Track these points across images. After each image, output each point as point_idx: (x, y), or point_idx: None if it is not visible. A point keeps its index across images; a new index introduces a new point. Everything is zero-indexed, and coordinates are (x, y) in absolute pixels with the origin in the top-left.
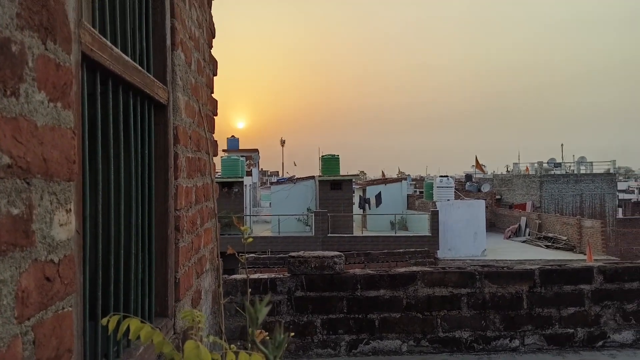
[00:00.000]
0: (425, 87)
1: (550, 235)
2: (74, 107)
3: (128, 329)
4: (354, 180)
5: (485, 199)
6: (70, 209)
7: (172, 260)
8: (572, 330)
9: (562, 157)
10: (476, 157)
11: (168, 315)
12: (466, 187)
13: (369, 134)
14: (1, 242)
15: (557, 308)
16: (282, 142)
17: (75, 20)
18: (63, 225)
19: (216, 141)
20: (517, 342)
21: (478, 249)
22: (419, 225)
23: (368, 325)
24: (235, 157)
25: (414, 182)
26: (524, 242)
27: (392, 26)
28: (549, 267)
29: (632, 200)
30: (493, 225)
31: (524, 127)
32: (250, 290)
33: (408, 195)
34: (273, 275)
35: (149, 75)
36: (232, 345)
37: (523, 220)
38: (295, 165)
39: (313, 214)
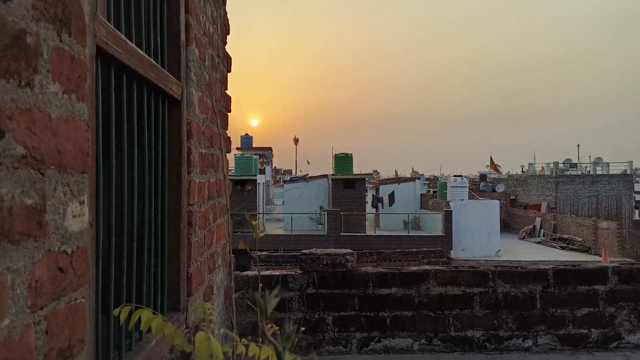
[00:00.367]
0: (440, 86)
1: (565, 236)
2: (88, 99)
3: (139, 321)
4: (367, 179)
5: (499, 199)
6: (83, 201)
7: (184, 255)
8: (586, 331)
9: (578, 158)
10: (491, 157)
11: (180, 309)
12: (480, 187)
13: (383, 133)
14: (15, 231)
15: (571, 308)
16: (296, 141)
17: (90, 13)
18: (76, 217)
19: (229, 137)
20: (529, 342)
21: (492, 249)
22: (433, 225)
23: (379, 323)
24: (249, 155)
25: (428, 182)
26: (538, 243)
27: (406, 24)
28: (563, 267)
29: None
30: (507, 226)
31: (540, 127)
32: (261, 286)
33: (421, 195)
34: (285, 272)
35: (163, 70)
36: (243, 339)
37: (538, 221)
38: (309, 163)
39: (326, 213)
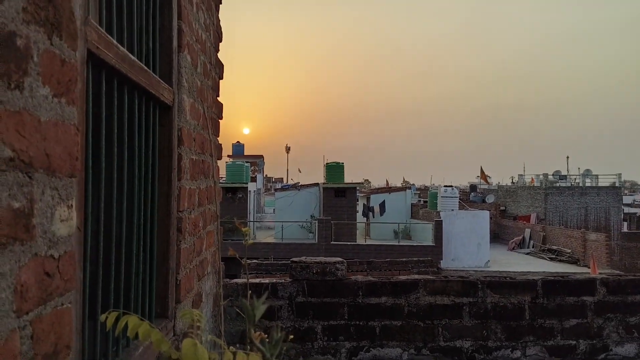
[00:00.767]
0: (431, 97)
1: (555, 247)
2: (78, 103)
3: (126, 327)
4: (358, 188)
5: (489, 210)
6: (71, 205)
7: (173, 262)
8: (574, 342)
9: (568, 170)
10: (481, 168)
11: (168, 316)
12: (470, 197)
13: (374, 142)
14: (1, 235)
15: (560, 319)
16: (287, 149)
17: (81, 17)
18: (64, 221)
19: (220, 144)
20: (518, 353)
21: (482, 259)
22: (423, 234)
23: (369, 333)
24: (240, 163)
25: (419, 192)
26: (527, 254)
27: (398, 35)
28: (552, 277)
29: (638, 214)
30: (497, 237)
31: (530, 139)
32: (250, 293)
33: (412, 205)
34: (274, 280)
35: (154, 75)
36: (231, 347)
37: (527, 232)
38: (300, 172)
39: (317, 221)
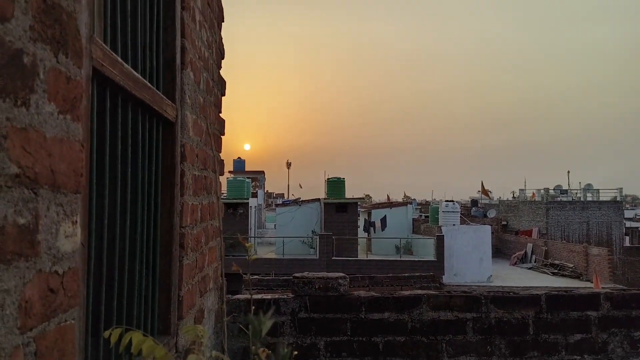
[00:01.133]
0: (431, 113)
1: (557, 262)
2: (83, 120)
3: (129, 344)
4: (359, 203)
5: (491, 225)
6: (76, 221)
7: (175, 278)
8: (579, 357)
9: (569, 184)
10: (482, 183)
11: (170, 333)
12: (472, 212)
13: (375, 157)
14: (7, 251)
15: (564, 334)
16: (288, 165)
17: (87, 35)
18: (68, 237)
19: (223, 160)
20: None
21: (484, 274)
22: (424, 249)
23: (372, 349)
24: (241, 179)
25: (420, 207)
26: (530, 268)
27: (398, 52)
28: (556, 292)
29: (639, 229)
30: (499, 252)
31: (531, 154)
32: (253, 309)
33: (413, 220)
34: (277, 296)
35: (158, 92)
36: None
37: (529, 246)
38: (301, 187)
39: (318, 237)
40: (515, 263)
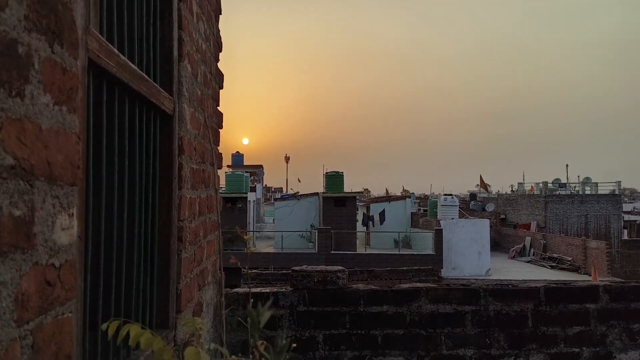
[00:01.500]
0: (430, 107)
1: (555, 255)
2: (80, 112)
3: (127, 336)
4: (357, 197)
5: (489, 218)
6: (72, 214)
7: (174, 271)
8: (578, 350)
9: (567, 178)
10: (481, 176)
11: (169, 326)
12: (470, 206)
13: (374, 151)
14: (2, 243)
15: (563, 327)
16: (287, 159)
17: (82, 26)
18: (65, 230)
19: (221, 153)
20: None
21: (482, 268)
22: (423, 243)
23: (371, 342)
24: (240, 173)
25: (418, 200)
26: (528, 262)
27: (396, 45)
28: (554, 285)
29: (638, 222)
30: (497, 245)
31: (530, 147)
32: (252, 301)
33: (412, 213)
34: (275, 289)
35: (155, 85)
36: (233, 356)
37: (527, 240)
38: (300, 181)
39: (316, 231)
40: (514, 256)
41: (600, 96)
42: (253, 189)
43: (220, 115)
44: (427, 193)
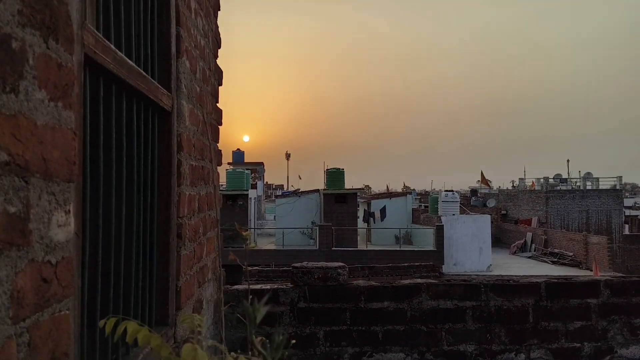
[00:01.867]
0: (431, 103)
1: (556, 251)
2: (76, 108)
3: (125, 334)
4: (358, 194)
5: (490, 214)
6: (69, 210)
7: (173, 268)
8: (579, 345)
9: (568, 173)
10: (482, 172)
11: (168, 323)
12: (471, 202)
13: (374, 147)
14: None
15: (564, 322)
16: (287, 156)
17: (78, 21)
18: (61, 227)
19: (220, 150)
20: (522, 356)
21: (483, 264)
22: (424, 239)
23: (371, 338)
24: (240, 170)
25: (419, 197)
26: (529, 257)
27: (397, 43)
28: (556, 280)
29: (639, 217)
30: (499, 241)
31: (531, 143)
32: (251, 298)
33: (413, 210)
34: (276, 286)
35: (153, 81)
36: (232, 353)
37: (529, 235)
38: (300, 178)
39: (317, 228)
40: (515, 252)
41: (602, 91)
42: (254, 186)
43: (219, 112)
44: (428, 189)
